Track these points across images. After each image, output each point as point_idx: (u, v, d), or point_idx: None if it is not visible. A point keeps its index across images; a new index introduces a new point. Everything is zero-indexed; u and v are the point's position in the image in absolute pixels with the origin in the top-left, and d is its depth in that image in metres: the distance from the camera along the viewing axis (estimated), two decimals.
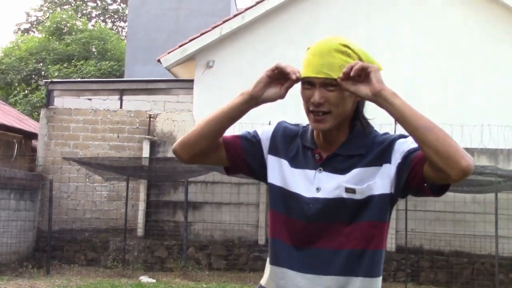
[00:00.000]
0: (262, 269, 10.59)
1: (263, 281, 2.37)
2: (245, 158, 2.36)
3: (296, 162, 2.29)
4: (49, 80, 15.88)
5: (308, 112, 2.20)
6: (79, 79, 20.51)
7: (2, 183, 12.04)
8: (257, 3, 13.93)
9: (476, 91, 12.95)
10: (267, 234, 12.45)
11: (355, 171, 2.18)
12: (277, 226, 2.28)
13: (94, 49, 28.66)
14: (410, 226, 11.61)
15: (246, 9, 14.03)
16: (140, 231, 12.96)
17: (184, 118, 13.32)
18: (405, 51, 12.97)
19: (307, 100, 2.18)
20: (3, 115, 16.03)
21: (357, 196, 2.16)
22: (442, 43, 13.31)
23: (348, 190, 2.16)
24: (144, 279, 11.15)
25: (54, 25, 29.94)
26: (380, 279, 2.24)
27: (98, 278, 11.25)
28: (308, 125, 2.31)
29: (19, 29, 36.04)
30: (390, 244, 11.75)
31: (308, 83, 2.16)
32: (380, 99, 2.06)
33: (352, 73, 2.05)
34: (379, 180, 2.16)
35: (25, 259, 12.55)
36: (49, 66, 26.17)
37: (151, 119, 13.66)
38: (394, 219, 11.26)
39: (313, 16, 13.68)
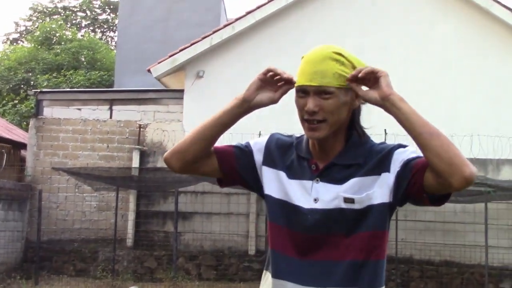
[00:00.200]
0: (252, 279, 10.61)
1: None
2: (237, 168, 2.33)
3: (292, 173, 2.27)
4: (38, 90, 15.80)
5: (303, 120, 2.18)
6: (69, 89, 20.44)
7: None
8: (247, 13, 13.96)
9: (466, 101, 13.00)
10: (257, 244, 12.54)
11: (353, 181, 2.16)
12: (277, 238, 2.26)
13: (83, 59, 28.58)
14: (400, 236, 11.62)
15: (236, 20, 14.05)
16: (129, 242, 12.90)
17: (174, 128, 13.30)
18: (395, 62, 13.00)
19: (301, 109, 2.17)
20: None
21: (356, 206, 2.14)
22: (432, 53, 13.37)
23: (346, 200, 2.15)
24: None
25: (43, 35, 29.86)
26: None
27: None
28: (302, 135, 2.30)
29: (8, 39, 35.94)
30: None
31: (302, 91, 2.15)
32: (388, 104, 2.08)
33: (360, 75, 2.08)
34: (378, 189, 2.14)
35: (13, 269, 12.47)
36: (38, 76, 26.05)
37: (141, 129, 13.64)
38: None
39: (304, 27, 13.72)
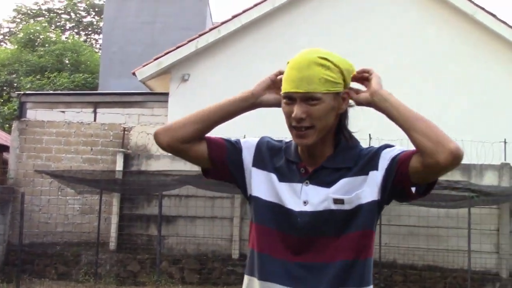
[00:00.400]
0: (235, 283, 10.57)
1: None
2: (227, 161, 2.33)
3: (282, 176, 2.27)
4: (22, 92, 15.74)
5: (291, 127, 2.19)
6: (52, 92, 20.32)
7: None
8: (233, 17, 13.96)
9: (450, 106, 13.08)
10: (241, 248, 12.50)
11: (342, 182, 2.17)
12: (265, 240, 2.24)
13: (67, 61, 28.47)
14: (384, 241, 11.65)
15: (222, 23, 14.05)
16: (112, 245, 12.82)
17: None
18: (381, 67, 12.88)
19: (288, 116, 2.17)
20: None
21: (346, 207, 2.15)
22: (417, 59, 13.44)
23: (336, 201, 2.15)
24: None
25: (27, 37, 29.71)
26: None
27: None
28: (291, 140, 2.29)
29: None
30: None
31: (289, 98, 2.15)
32: (377, 98, 2.14)
33: (356, 73, 2.19)
34: (367, 188, 2.16)
35: None
36: (22, 77, 25.93)
37: (125, 132, 13.58)
38: None
39: (290, 31, 13.73)
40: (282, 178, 2.26)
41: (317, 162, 2.23)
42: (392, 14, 13.81)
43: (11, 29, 35.79)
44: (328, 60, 2.12)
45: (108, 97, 15.08)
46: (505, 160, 12.16)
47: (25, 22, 34.59)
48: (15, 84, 26.94)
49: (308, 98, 2.11)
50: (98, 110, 14.55)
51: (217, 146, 2.32)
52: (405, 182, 2.10)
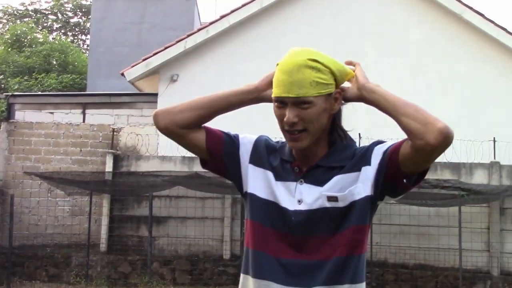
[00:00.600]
0: (227, 284, 10.55)
1: None
2: (223, 154, 2.32)
3: (278, 175, 2.27)
4: (10, 94, 15.62)
5: (284, 131, 2.19)
6: (41, 93, 20.22)
7: None
8: (222, 17, 13.95)
9: (439, 106, 13.08)
10: (232, 249, 12.49)
11: (335, 179, 2.17)
12: (260, 238, 2.24)
13: (54, 62, 28.31)
14: (375, 240, 11.67)
15: (211, 23, 14.03)
16: (103, 246, 12.76)
17: (148, 132, 13.21)
18: (368, 67, 13.04)
19: (281, 119, 2.17)
20: None
21: (340, 204, 2.15)
22: (405, 59, 13.49)
23: (330, 198, 2.15)
24: None
25: (14, 38, 29.53)
26: (364, 284, 2.23)
27: None
28: (286, 141, 2.30)
29: None
30: None
31: (280, 102, 2.14)
32: (365, 92, 2.15)
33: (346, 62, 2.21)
34: (360, 184, 2.16)
35: None
36: (9, 79, 25.76)
37: (115, 133, 13.52)
38: None
39: (279, 31, 13.74)
40: (277, 177, 2.26)
41: (311, 161, 2.23)
42: (380, 14, 13.83)
43: None
44: (318, 62, 2.11)
45: (96, 98, 15.01)
46: (494, 158, 12.22)
47: (11, 23, 34.38)
48: (3, 85, 26.78)
49: (299, 102, 2.10)
50: (87, 111, 14.48)
51: (215, 137, 2.32)
52: (397, 173, 2.10)
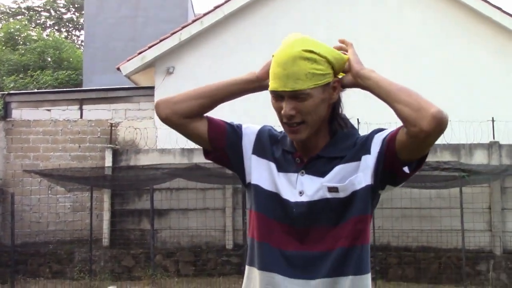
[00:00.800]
0: (230, 274, 10.56)
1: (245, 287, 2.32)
2: (225, 143, 2.31)
3: (280, 166, 2.25)
4: (6, 92, 15.59)
5: (282, 123, 2.17)
6: (37, 90, 20.16)
7: None
8: (216, 7, 13.90)
9: (436, 88, 13.08)
10: (235, 239, 12.49)
11: (336, 169, 2.15)
12: (265, 229, 2.23)
13: (49, 59, 28.24)
14: (377, 224, 11.68)
15: (205, 14, 13.97)
16: (105, 241, 12.77)
17: (146, 125, 13.21)
18: (365, 52, 12.98)
19: (279, 112, 2.15)
20: None
21: (340, 195, 2.13)
22: (400, 43, 13.47)
23: (331, 189, 2.13)
24: None
25: (8, 36, 29.44)
26: (369, 275, 2.21)
27: None
28: None
29: None
30: None
31: (277, 95, 2.12)
32: (360, 79, 2.12)
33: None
34: (360, 173, 2.13)
35: None
36: (4, 77, 25.69)
37: (113, 128, 13.50)
38: None
39: (272, 20, 13.70)
40: (280, 168, 2.25)
41: (312, 152, 2.21)
42: (373, 0, 13.79)
43: None
44: (314, 52, 2.08)
45: (93, 93, 14.96)
46: (493, 138, 12.22)
47: (4, 21, 34.27)
48: None
49: (296, 95, 2.08)
50: (84, 107, 14.45)
51: (217, 127, 2.31)
52: (395, 161, 2.07)
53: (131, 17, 20.90)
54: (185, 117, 2.26)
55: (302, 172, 2.19)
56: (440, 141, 11.82)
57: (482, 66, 13.36)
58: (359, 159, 2.14)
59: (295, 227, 2.17)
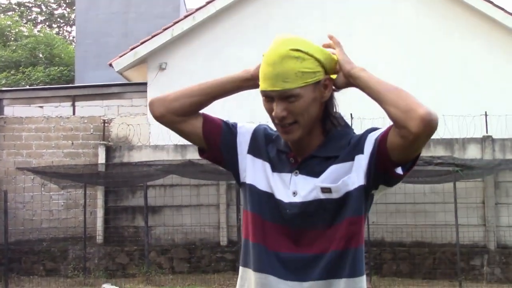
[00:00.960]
0: (225, 270, 10.56)
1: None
2: (219, 141, 2.29)
3: (274, 166, 2.23)
4: None
5: (275, 124, 2.15)
6: (29, 87, 20.08)
7: None
8: (207, 3, 13.86)
9: (430, 82, 13.12)
10: (229, 235, 12.48)
11: (330, 170, 2.12)
12: (259, 230, 2.20)
13: (41, 55, 28.10)
14: (371, 219, 11.69)
15: (197, 10, 13.93)
16: (99, 238, 12.74)
17: (139, 121, 13.17)
18: (359, 46, 13.00)
19: (270, 113, 2.13)
20: None
21: (333, 195, 2.10)
22: (395, 37, 13.46)
23: (324, 190, 2.10)
24: (107, 286, 10.96)
25: None
26: (364, 278, 2.18)
27: None
28: None
29: None
30: None
31: (267, 96, 2.10)
32: (351, 79, 2.09)
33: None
34: (354, 174, 2.10)
35: None
36: None
37: (106, 124, 13.46)
38: None
39: (266, 14, 13.68)
40: (274, 168, 2.22)
41: (306, 151, 2.19)
42: None
43: None
44: (301, 51, 2.05)
45: (86, 90, 14.88)
46: (486, 133, 12.25)
47: None
48: None
49: (286, 96, 2.05)
50: (77, 103, 14.37)
51: (212, 125, 2.29)
52: (387, 162, 2.04)
53: (123, 12, 20.80)
54: (179, 115, 2.25)
55: (296, 172, 2.17)
56: (433, 135, 11.85)
57: (475, 60, 13.36)
58: (352, 159, 2.11)
59: (289, 228, 2.14)
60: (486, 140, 12.11)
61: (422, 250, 11.90)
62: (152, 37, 13.79)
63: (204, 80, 2.27)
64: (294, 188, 2.15)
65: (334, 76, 2.17)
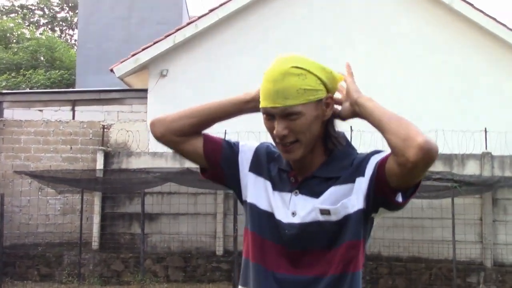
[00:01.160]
0: (220, 280, 10.51)
1: None
2: (220, 160, 2.28)
3: (275, 185, 2.21)
4: None
5: (276, 143, 2.13)
6: (29, 90, 20.06)
7: None
8: (210, 11, 13.85)
9: (430, 96, 13.12)
10: (225, 245, 12.44)
11: (330, 191, 2.10)
12: (259, 250, 2.19)
13: (42, 58, 28.10)
14: None
15: (199, 18, 13.92)
16: (95, 244, 12.69)
17: (138, 128, 13.15)
18: (359, 58, 13.01)
19: (271, 131, 2.11)
20: None
21: (332, 218, 2.07)
22: (395, 50, 13.45)
23: (323, 211, 2.08)
24: None
25: (1, 34, 29.30)
26: None
27: None
28: None
29: None
30: None
31: (269, 114, 2.08)
32: (357, 107, 2.07)
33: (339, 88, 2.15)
34: (354, 196, 2.07)
35: None
36: None
37: (105, 130, 13.43)
38: None
39: (267, 24, 13.67)
40: (275, 187, 2.21)
41: (308, 171, 2.16)
42: (367, 6, 13.75)
43: None
44: (303, 69, 2.04)
45: (86, 94, 14.86)
46: (486, 149, 12.21)
47: None
48: None
49: (287, 114, 2.03)
50: (77, 108, 14.34)
51: (212, 144, 2.28)
52: (385, 188, 2.01)
53: (125, 18, 20.82)
54: (179, 135, 2.25)
55: (296, 192, 2.14)
56: None
57: (476, 76, 13.36)
58: (353, 181, 2.09)
59: (287, 249, 2.12)
60: (485, 157, 12.08)
61: (418, 265, 11.85)
62: (154, 43, 13.78)
63: (205, 102, 2.27)
64: (294, 209, 2.12)
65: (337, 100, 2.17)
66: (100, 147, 13.04)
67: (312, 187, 2.13)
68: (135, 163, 12.65)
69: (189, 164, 11.75)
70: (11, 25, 30.34)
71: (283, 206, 2.15)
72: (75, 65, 22.72)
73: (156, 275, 12.19)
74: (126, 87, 15.30)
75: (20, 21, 32.00)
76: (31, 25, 34.52)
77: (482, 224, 11.93)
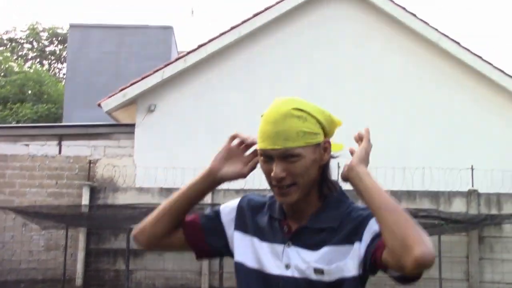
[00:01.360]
0: None
1: None
2: (205, 239, 2.23)
3: (264, 235, 2.15)
4: None
5: (272, 185, 2.07)
6: (16, 125, 19.98)
7: None
8: (199, 46, 13.91)
9: (417, 134, 13.18)
10: (210, 282, 12.31)
11: (326, 249, 2.03)
12: None
13: (30, 91, 28.08)
14: None
15: (188, 53, 13.97)
16: (79, 281, 12.50)
17: (125, 163, 13.09)
18: (347, 95, 13.11)
19: (268, 174, 2.05)
20: None
21: (325, 278, 2.00)
22: (383, 87, 13.54)
23: (316, 271, 2.01)
24: None
25: None
26: None
27: None
28: None
29: None
30: None
31: (267, 156, 2.03)
32: (352, 174, 1.98)
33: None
34: (350, 261, 2.00)
35: None
36: None
37: (91, 165, 13.36)
38: None
39: (256, 61, 13.74)
40: (264, 238, 2.15)
41: (301, 218, 2.10)
42: (356, 44, 13.87)
43: None
44: (304, 111, 2.00)
45: (73, 129, 14.77)
46: (472, 186, 12.22)
47: None
48: None
49: (287, 156, 1.99)
50: (63, 142, 14.24)
51: (192, 230, 2.24)
52: (382, 266, 1.93)
53: (114, 52, 20.89)
54: (162, 237, 2.22)
55: (289, 244, 2.08)
56: (419, 187, 11.77)
57: (462, 113, 13.46)
58: (351, 243, 2.01)
59: None
60: (471, 194, 12.08)
61: None
62: (142, 78, 13.78)
63: (169, 198, 2.22)
64: (287, 261, 2.06)
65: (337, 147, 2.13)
66: (86, 182, 12.95)
67: (306, 238, 2.07)
68: (121, 199, 12.56)
69: None
70: (0, 58, 30.35)
71: (274, 259, 2.09)
72: (63, 99, 22.69)
73: None
74: (114, 122, 15.25)
75: (8, 54, 32.00)
76: (19, 58, 34.55)
77: (469, 262, 11.89)
